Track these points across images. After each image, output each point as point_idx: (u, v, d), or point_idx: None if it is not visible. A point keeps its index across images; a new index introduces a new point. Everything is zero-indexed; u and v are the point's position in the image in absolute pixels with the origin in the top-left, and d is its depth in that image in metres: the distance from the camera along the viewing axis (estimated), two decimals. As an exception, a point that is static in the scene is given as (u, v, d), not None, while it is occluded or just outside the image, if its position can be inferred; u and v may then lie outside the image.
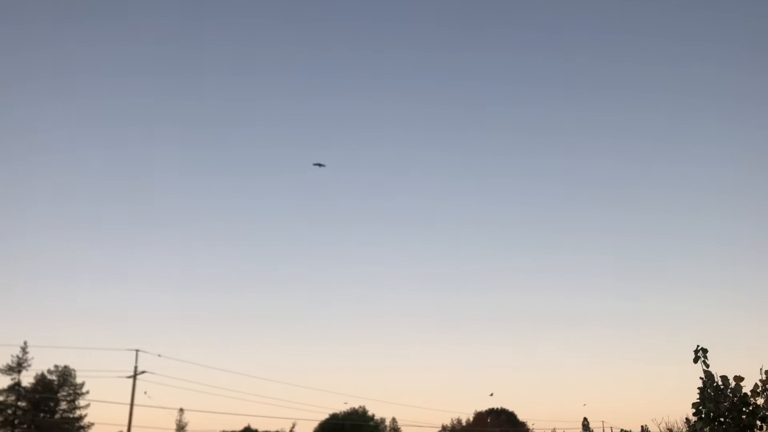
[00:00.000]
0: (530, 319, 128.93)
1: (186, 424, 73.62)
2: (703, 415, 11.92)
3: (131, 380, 49.39)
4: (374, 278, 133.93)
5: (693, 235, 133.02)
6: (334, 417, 76.05)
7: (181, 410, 73.12)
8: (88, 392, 71.53)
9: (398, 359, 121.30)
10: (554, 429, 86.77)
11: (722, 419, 11.70)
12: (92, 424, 70.23)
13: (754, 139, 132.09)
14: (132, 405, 48.89)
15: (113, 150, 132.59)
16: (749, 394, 11.62)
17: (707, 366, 12.09)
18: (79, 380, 71.48)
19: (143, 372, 50.17)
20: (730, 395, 11.69)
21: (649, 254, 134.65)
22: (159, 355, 51.17)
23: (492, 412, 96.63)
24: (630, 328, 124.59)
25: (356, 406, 79.99)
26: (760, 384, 11.50)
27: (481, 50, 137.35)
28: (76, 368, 71.06)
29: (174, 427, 73.06)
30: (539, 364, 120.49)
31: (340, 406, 77.89)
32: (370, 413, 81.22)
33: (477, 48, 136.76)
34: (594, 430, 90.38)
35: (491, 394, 77.20)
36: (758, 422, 11.44)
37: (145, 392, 49.86)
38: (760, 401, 11.47)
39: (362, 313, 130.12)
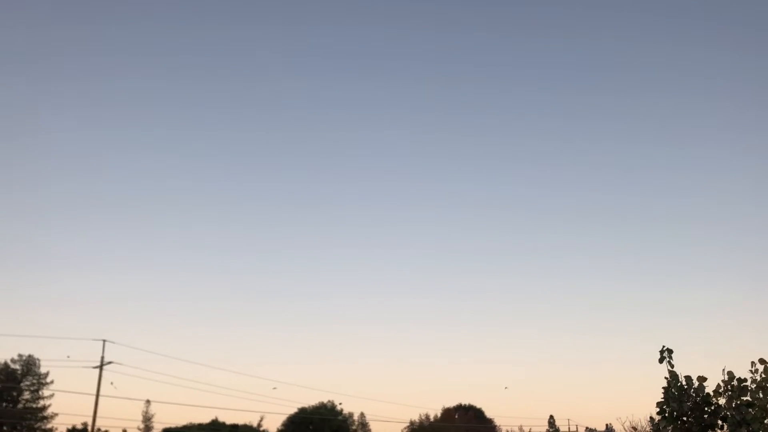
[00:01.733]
0: (499, 318, 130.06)
1: (153, 415, 72.96)
2: (666, 414, 12.14)
3: (97, 370, 48.81)
4: (345, 275, 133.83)
5: (658, 236, 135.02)
6: (302, 411, 75.94)
7: (148, 402, 72.49)
8: (52, 382, 70.56)
9: (367, 354, 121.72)
10: (521, 426, 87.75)
11: (685, 418, 11.94)
12: (56, 414, 69.31)
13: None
14: (98, 396, 48.32)
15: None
16: (711, 394, 11.86)
17: (672, 366, 12.32)
18: (43, 370, 70.49)
19: (110, 362, 49.60)
20: (694, 395, 11.93)
21: (615, 254, 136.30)
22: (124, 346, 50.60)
23: (460, 408, 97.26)
24: (598, 328, 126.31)
25: (325, 401, 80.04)
26: (722, 384, 11.75)
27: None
28: (40, 358, 70.03)
29: (140, 418, 72.38)
30: (508, 361, 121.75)
31: (309, 400, 77.96)
32: (338, 407, 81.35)
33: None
34: (560, 427, 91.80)
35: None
36: (719, 421, 11.69)
37: (112, 383, 49.34)
38: (722, 401, 11.71)
39: (332, 308, 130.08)
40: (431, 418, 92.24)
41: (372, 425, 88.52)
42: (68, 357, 49.06)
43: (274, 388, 56.13)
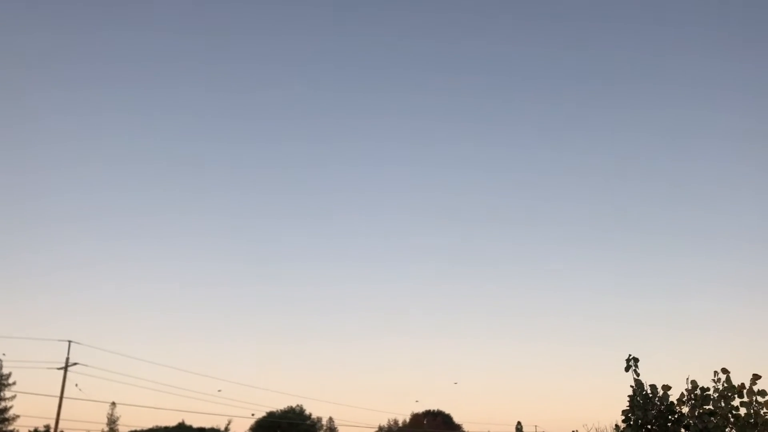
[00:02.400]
0: (468, 324, 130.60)
1: (118, 418, 71.83)
2: (631, 422, 12.33)
3: (62, 372, 47.96)
4: (314, 277, 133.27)
5: (623, 245, 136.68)
6: (270, 415, 75.47)
7: (113, 404, 71.38)
8: (14, 383, 69.12)
9: (336, 359, 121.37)
10: (489, 431, 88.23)
11: (649, 426, 12.14)
12: (18, 416, 67.90)
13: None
14: (61, 397, 47.47)
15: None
16: (675, 402, 12.07)
17: (638, 375, 12.51)
18: (5, 371, 69.08)
19: (75, 364, 48.78)
20: (658, 403, 12.13)
21: (586, 263, 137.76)
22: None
23: (429, 413, 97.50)
24: (566, 335, 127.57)
25: (293, 405, 79.67)
26: (686, 393, 11.96)
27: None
28: (2, 358, 68.62)
29: (105, 421, 71.27)
30: (477, 367, 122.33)
31: (277, 404, 77.47)
32: (307, 412, 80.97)
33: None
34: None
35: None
36: (682, 430, 11.90)
37: (77, 384, 48.52)
38: (686, 410, 11.93)
39: (300, 312, 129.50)
40: (400, 423, 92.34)
41: (340, 430, 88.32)
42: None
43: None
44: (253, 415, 57.89)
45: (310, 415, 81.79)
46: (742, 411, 11.09)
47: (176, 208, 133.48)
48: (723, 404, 11.34)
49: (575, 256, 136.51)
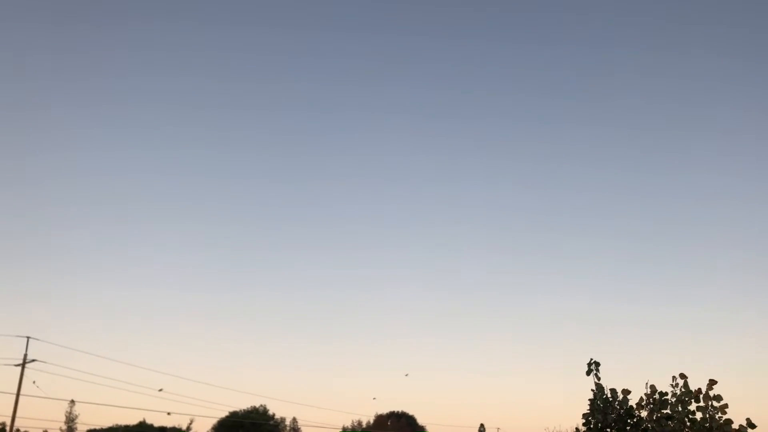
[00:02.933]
0: (431, 326, 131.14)
1: (77, 416, 70.53)
2: (591, 426, 12.52)
3: (19, 369, 46.93)
4: (276, 279, 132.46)
5: (588, 247, 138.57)
6: (233, 415, 74.82)
7: (72, 402, 70.06)
8: (-31, 380, 67.49)
9: (300, 359, 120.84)
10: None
11: (609, 430, 12.34)
12: (-29, 413, 66.28)
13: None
14: (18, 395, 46.44)
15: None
16: (635, 406, 12.30)
17: (599, 379, 12.71)
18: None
19: (33, 360, 47.76)
20: (618, 407, 12.34)
21: (547, 265, 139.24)
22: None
23: (393, 415, 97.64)
24: (529, 339, 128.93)
25: (256, 405, 79.11)
26: (645, 397, 12.19)
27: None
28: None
29: (63, 419, 69.90)
30: (440, 369, 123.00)
31: (240, 404, 76.81)
32: (270, 412, 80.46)
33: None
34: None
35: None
36: (641, 433, 12.13)
37: (34, 382, 47.50)
38: (644, 414, 12.16)
39: (263, 311, 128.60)
40: (364, 424, 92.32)
41: (304, 430, 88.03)
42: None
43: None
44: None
45: (274, 415, 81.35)
46: (699, 415, 11.33)
47: (139, 200, 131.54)
48: (680, 408, 11.58)
49: (535, 260, 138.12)
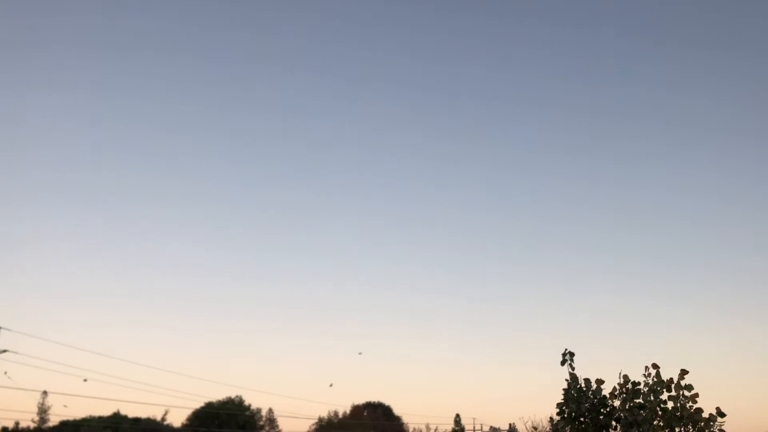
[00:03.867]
0: (407, 316, 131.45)
1: (49, 407, 69.74)
2: (565, 415, 12.69)
3: (-10, 359, 46.26)
4: (250, 269, 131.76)
5: (569, 238, 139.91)
6: (209, 405, 74.51)
7: (45, 393, 69.23)
8: (-62, 371, 66.36)
9: (275, 349, 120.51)
10: (428, 424, 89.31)
11: (582, 419, 12.52)
12: (-59, 405, 65.32)
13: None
14: (-11, 386, 45.79)
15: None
16: (608, 396, 12.48)
17: (573, 369, 12.87)
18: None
19: (4, 351, 47.08)
20: (591, 397, 12.52)
21: (526, 256, 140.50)
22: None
23: (369, 405, 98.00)
24: (504, 329, 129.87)
25: (232, 395, 78.85)
26: (618, 387, 12.37)
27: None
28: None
29: (36, 410, 69.06)
30: (417, 359, 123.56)
31: (215, 395, 76.50)
32: (246, 403, 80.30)
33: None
34: (465, 426, 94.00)
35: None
36: (614, 422, 12.32)
37: (5, 372, 46.85)
38: (617, 403, 12.35)
39: (239, 301, 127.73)
40: (340, 414, 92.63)
41: (280, 421, 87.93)
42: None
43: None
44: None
45: (250, 406, 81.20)
46: (670, 404, 11.54)
47: (121, 189, 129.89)
48: (652, 398, 11.78)
49: (517, 251, 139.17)
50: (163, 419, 72.18)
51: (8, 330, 48.20)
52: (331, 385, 77.07)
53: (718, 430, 11.00)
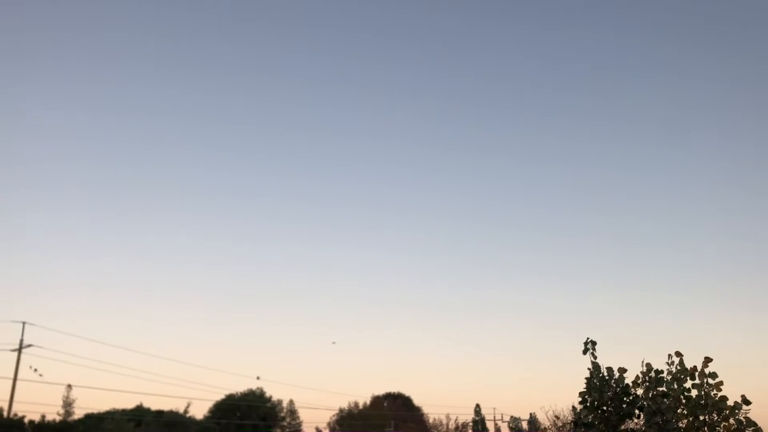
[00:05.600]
0: (428, 307, 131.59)
1: (74, 400, 70.69)
2: (588, 404, 12.65)
3: (16, 353, 47.03)
4: (271, 260, 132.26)
5: (585, 231, 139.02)
6: (230, 397, 75.15)
7: (69, 386, 70.20)
8: (-34, 365, 67.53)
9: (296, 341, 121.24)
10: (448, 414, 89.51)
11: (605, 407, 12.47)
12: (-31, 398, 66.37)
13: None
14: (15, 379, 46.56)
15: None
16: (630, 384, 12.43)
17: (595, 357, 12.82)
18: (-44, 352, 67.40)
19: (29, 345, 47.84)
20: (614, 385, 12.47)
21: (547, 246, 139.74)
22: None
23: (389, 396, 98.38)
24: (525, 319, 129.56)
25: (253, 387, 79.47)
26: (641, 375, 12.32)
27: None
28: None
29: (61, 403, 70.06)
30: (436, 350, 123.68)
31: (237, 387, 77.13)
32: (267, 394, 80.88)
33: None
34: (485, 416, 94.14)
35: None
36: (636, 410, 12.26)
37: (31, 366, 47.62)
38: (640, 391, 12.29)
39: (260, 293, 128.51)
40: (360, 405, 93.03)
41: (301, 412, 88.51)
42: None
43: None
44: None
45: (271, 397, 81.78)
46: (694, 393, 11.47)
47: (141, 183, 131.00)
48: (675, 386, 11.72)
49: (538, 240, 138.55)
50: (186, 411, 72.81)
51: (33, 325, 49.04)
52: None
53: (743, 417, 10.91)
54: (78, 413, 70.07)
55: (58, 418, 60.54)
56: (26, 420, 51.31)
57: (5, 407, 47.95)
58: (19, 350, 47.22)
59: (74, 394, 70.48)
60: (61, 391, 69.43)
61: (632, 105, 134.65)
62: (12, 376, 46.58)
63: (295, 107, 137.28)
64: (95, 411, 66.54)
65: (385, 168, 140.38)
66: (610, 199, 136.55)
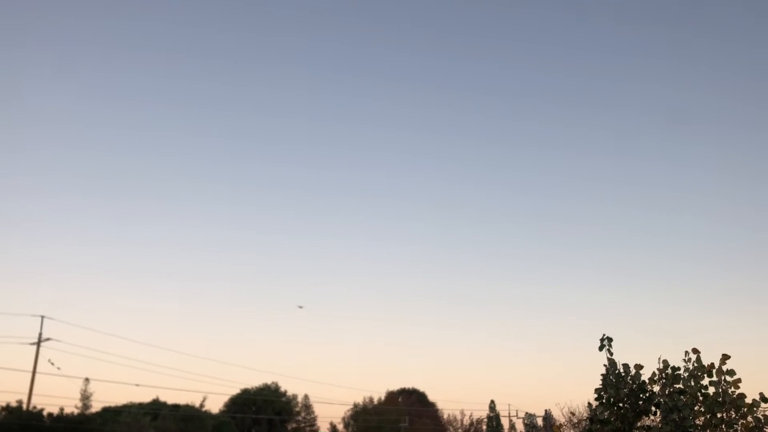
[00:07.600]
0: (442, 303, 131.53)
1: (91, 394, 71.39)
2: (604, 401, 12.59)
3: (34, 347, 47.59)
4: (285, 252, 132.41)
5: (602, 225, 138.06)
6: (245, 392, 75.56)
7: (87, 380, 70.91)
8: (-14, 358, 68.40)
9: (311, 336, 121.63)
10: (462, 410, 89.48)
11: (621, 404, 12.40)
12: (-10, 391, 67.28)
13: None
14: (34, 373, 47.16)
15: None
16: (647, 381, 12.35)
17: (611, 354, 12.75)
18: (-24, 345, 68.26)
19: (48, 339, 48.41)
20: (630, 382, 12.39)
21: (562, 241, 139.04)
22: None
23: (403, 391, 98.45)
24: (540, 315, 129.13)
25: (268, 382, 79.84)
26: (657, 372, 12.23)
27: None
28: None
29: (78, 396, 70.79)
30: (452, 346, 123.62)
31: (252, 381, 77.55)
32: (282, 389, 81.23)
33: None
34: (500, 412, 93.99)
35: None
36: (653, 408, 12.19)
37: (49, 360, 48.16)
38: (657, 388, 12.21)
39: (274, 287, 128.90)
40: (375, 401, 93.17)
41: (316, 407, 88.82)
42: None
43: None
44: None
45: (286, 392, 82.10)
46: (711, 390, 11.37)
47: (155, 177, 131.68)
48: (693, 383, 11.62)
49: (550, 239, 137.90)
50: (202, 405, 73.33)
51: (51, 319, 49.59)
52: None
53: (762, 415, 10.82)
54: (95, 406, 70.84)
55: (76, 411, 61.18)
56: (45, 413, 51.95)
57: (24, 400, 48.62)
58: (38, 344, 47.79)
59: (92, 387, 71.23)
60: (79, 384, 70.16)
61: (645, 93, 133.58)
62: (31, 369, 47.23)
63: (298, 97, 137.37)
64: (112, 404, 67.24)
65: (409, 159, 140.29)
66: (627, 190, 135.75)
